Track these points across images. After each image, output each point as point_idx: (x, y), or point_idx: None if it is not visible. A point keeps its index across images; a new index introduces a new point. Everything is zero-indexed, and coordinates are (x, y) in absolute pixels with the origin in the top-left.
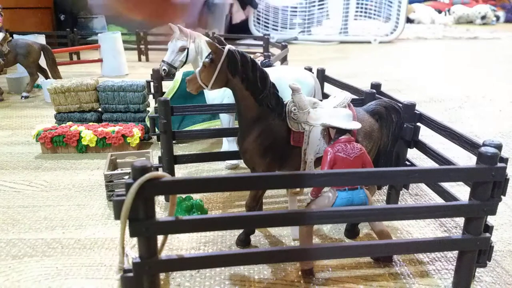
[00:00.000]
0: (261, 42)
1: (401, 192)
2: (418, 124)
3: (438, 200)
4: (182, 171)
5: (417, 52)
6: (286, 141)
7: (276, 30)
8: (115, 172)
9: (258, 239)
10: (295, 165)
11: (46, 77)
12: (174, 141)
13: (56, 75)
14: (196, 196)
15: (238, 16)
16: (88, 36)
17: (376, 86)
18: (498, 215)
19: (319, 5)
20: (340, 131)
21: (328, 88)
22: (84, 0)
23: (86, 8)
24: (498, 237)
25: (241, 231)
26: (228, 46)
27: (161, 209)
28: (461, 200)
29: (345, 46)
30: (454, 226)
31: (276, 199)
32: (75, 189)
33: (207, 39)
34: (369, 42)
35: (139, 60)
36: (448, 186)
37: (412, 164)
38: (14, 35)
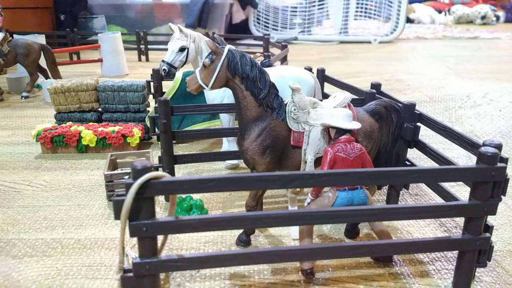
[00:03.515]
0: (261, 42)
1: (401, 192)
2: (418, 124)
3: (438, 200)
4: (182, 171)
5: (417, 52)
6: (286, 141)
7: (276, 30)
8: (115, 172)
9: (258, 239)
10: (295, 165)
11: (46, 77)
12: (174, 141)
13: (56, 75)
14: (196, 196)
15: (238, 16)
16: (88, 36)
17: (376, 86)
18: (498, 215)
19: (319, 5)
20: (340, 131)
21: (328, 88)
22: (84, 0)
23: (86, 8)
24: (498, 237)
25: (241, 231)
26: (228, 46)
27: (161, 209)
28: (461, 200)
29: (345, 46)
30: (454, 226)
31: (276, 199)
32: (75, 189)
33: (207, 39)
34: (369, 42)
35: (139, 60)
36: (448, 186)
37: (412, 164)
38: (14, 35)
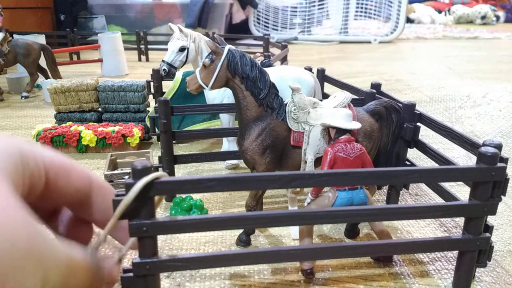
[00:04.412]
0: (261, 42)
1: (401, 192)
2: (418, 124)
3: (438, 200)
4: (182, 171)
5: (417, 52)
6: (286, 141)
7: (276, 30)
8: (115, 172)
9: (258, 239)
10: (295, 165)
11: (46, 77)
12: (174, 141)
13: (56, 75)
14: (196, 196)
15: (238, 16)
16: (88, 36)
17: (376, 86)
18: (498, 215)
19: (319, 5)
20: (340, 131)
21: (328, 88)
22: (84, 0)
23: (86, 8)
24: (498, 237)
25: (241, 231)
26: (228, 46)
27: (161, 209)
28: (461, 200)
29: (345, 46)
30: (454, 226)
31: (276, 199)
32: None
33: (207, 39)
34: (369, 42)
35: (139, 60)
36: (448, 186)
37: (412, 164)
38: (14, 35)
